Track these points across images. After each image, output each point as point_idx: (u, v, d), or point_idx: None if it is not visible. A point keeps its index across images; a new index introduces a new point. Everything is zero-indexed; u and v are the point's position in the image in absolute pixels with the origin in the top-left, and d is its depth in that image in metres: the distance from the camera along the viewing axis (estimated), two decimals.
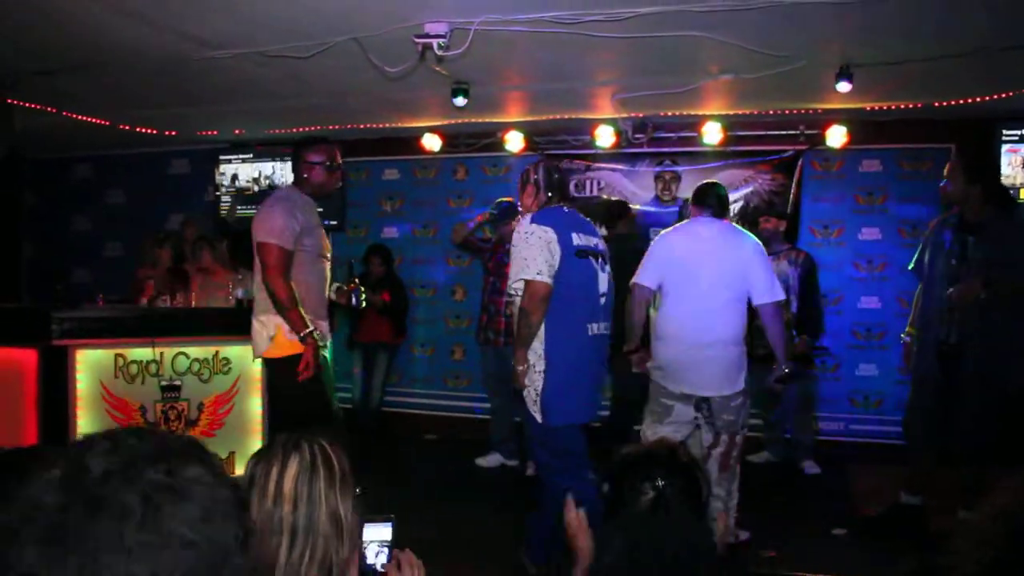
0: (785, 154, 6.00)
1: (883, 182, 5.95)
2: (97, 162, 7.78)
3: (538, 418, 3.11)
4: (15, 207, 7.92)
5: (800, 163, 5.98)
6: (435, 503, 4.45)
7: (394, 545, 1.59)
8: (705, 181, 3.94)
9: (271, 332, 3.36)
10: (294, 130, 6.44)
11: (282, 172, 6.91)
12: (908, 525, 3.81)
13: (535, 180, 3.33)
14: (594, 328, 3.19)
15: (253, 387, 4.40)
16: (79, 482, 0.62)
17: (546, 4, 3.61)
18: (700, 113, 5.73)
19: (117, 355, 4.00)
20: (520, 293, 3.12)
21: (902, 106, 5.36)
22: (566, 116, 5.95)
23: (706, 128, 5.71)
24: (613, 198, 6.09)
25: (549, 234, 3.09)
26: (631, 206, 5.76)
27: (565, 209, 3.31)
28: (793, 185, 5.98)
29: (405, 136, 6.49)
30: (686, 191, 5.78)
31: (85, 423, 3.87)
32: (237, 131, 6.73)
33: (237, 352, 4.33)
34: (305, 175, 3.53)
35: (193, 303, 5.01)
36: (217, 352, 4.30)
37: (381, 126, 6.32)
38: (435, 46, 3.79)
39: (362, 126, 6.25)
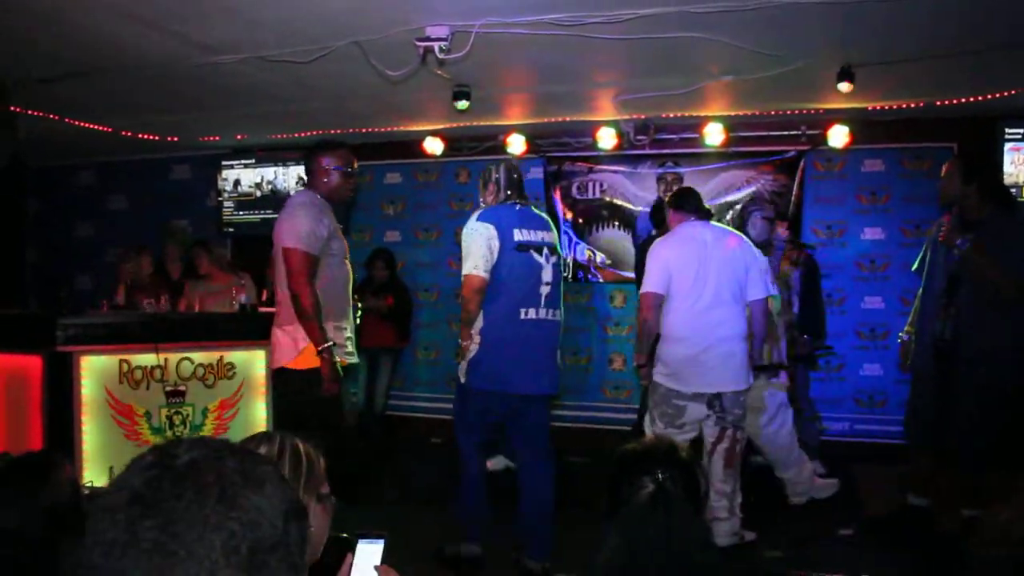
0: (787, 154, 6.00)
1: (886, 182, 5.94)
2: (100, 168, 7.80)
3: (462, 379, 3.53)
4: (19, 214, 7.95)
5: (802, 163, 5.98)
6: (440, 507, 4.44)
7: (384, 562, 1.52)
8: (679, 187, 4.15)
9: (301, 344, 3.29)
10: (296, 135, 6.46)
11: (284, 177, 6.91)
12: (915, 526, 3.79)
13: (496, 179, 3.57)
14: (530, 313, 3.46)
15: (258, 392, 4.39)
16: (167, 467, 0.73)
17: (547, 6, 3.62)
18: (702, 114, 5.73)
19: (121, 361, 4.00)
20: None
21: (904, 105, 5.36)
22: (568, 118, 5.95)
23: (708, 129, 5.71)
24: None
25: (490, 231, 3.39)
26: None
27: (517, 207, 3.54)
28: (795, 186, 5.98)
29: (407, 140, 6.49)
30: None
31: (90, 429, 3.86)
32: (239, 136, 6.74)
33: (241, 357, 4.33)
34: (324, 179, 3.44)
35: (183, 307, 5.00)
36: (222, 357, 4.29)
37: (383, 130, 6.33)
38: (436, 49, 3.80)
39: (364, 130, 6.24)
